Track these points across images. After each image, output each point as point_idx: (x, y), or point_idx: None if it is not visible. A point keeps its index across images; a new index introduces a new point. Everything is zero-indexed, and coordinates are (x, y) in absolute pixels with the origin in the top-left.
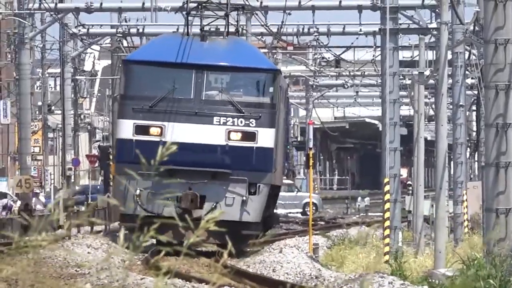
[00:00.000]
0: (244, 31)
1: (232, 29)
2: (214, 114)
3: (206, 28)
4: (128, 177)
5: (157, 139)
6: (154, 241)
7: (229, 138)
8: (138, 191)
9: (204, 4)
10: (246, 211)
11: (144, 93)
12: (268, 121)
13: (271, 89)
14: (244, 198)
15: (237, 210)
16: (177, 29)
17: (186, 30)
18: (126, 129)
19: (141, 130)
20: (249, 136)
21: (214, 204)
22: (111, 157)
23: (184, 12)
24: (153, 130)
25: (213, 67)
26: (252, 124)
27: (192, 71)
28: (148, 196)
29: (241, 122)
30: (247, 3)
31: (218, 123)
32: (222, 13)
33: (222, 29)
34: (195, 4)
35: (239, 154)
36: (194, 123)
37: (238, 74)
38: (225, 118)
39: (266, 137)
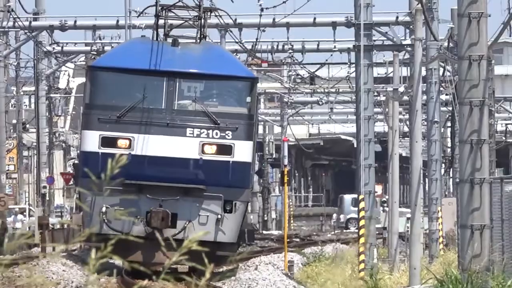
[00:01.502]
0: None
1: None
2: (187, 125)
3: (173, 32)
4: (94, 193)
5: (125, 152)
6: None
7: (203, 152)
8: (104, 208)
9: (175, 5)
10: (221, 231)
11: (111, 102)
12: (245, 133)
13: (248, 99)
14: (219, 216)
15: (211, 230)
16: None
17: (155, 34)
18: (92, 141)
19: (108, 142)
20: (225, 149)
21: (187, 223)
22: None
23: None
24: (121, 143)
25: (186, 75)
26: (228, 136)
27: (163, 78)
28: (115, 213)
29: (216, 134)
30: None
31: (191, 135)
32: (188, 16)
33: (188, 34)
34: (166, 5)
35: (214, 168)
36: (165, 135)
37: (213, 82)
38: (199, 129)
39: (243, 151)
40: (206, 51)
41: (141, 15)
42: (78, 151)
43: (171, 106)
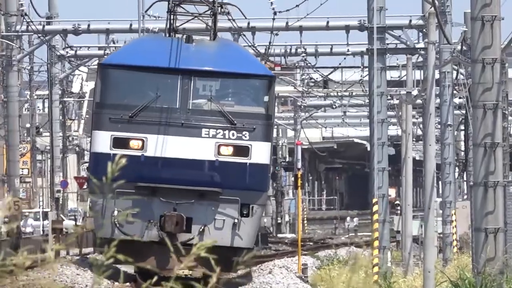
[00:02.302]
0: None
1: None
2: (202, 125)
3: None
4: (105, 196)
5: (138, 153)
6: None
7: (219, 153)
8: (115, 212)
9: (187, 0)
10: (238, 235)
11: (123, 101)
12: (262, 134)
13: (265, 98)
14: (236, 220)
15: (227, 234)
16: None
17: (168, 31)
18: (103, 142)
19: (120, 143)
20: (242, 150)
21: (202, 227)
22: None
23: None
24: (133, 143)
25: (201, 73)
26: (245, 137)
27: (177, 76)
28: (127, 217)
29: (233, 134)
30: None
31: (207, 135)
32: (199, 11)
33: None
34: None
35: (230, 171)
36: (179, 135)
37: (229, 81)
38: (214, 130)
39: (260, 152)
40: (221, 48)
41: (150, 16)
42: (88, 141)
43: (186, 106)
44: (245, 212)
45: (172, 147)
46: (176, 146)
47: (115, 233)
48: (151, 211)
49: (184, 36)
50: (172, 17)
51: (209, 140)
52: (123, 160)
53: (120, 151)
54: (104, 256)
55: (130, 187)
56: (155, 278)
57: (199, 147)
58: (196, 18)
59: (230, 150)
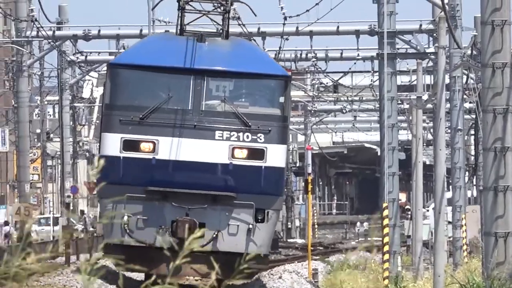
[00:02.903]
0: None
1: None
2: (215, 127)
3: (190, 28)
4: (115, 200)
5: (149, 156)
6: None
7: (233, 156)
8: (126, 217)
9: None
10: (252, 242)
11: (134, 103)
12: (278, 136)
13: (281, 99)
14: (251, 226)
15: (242, 241)
16: None
17: (179, 29)
18: (112, 144)
19: (130, 145)
20: (257, 153)
21: (215, 233)
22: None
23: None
24: (144, 146)
25: (214, 73)
26: (260, 139)
27: (190, 77)
28: (137, 223)
29: (247, 137)
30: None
31: (220, 138)
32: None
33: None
34: None
35: (244, 174)
36: (192, 137)
37: (243, 81)
38: (228, 132)
39: (276, 155)
40: (235, 47)
41: (161, 21)
42: (97, 155)
43: (199, 107)
44: (260, 218)
45: (185, 150)
46: (188, 148)
47: (125, 239)
48: (162, 216)
49: (197, 35)
50: (182, 15)
51: (223, 143)
52: (134, 164)
53: (130, 154)
54: (113, 263)
55: (140, 191)
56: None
57: (212, 150)
58: (206, 16)
59: (244, 153)
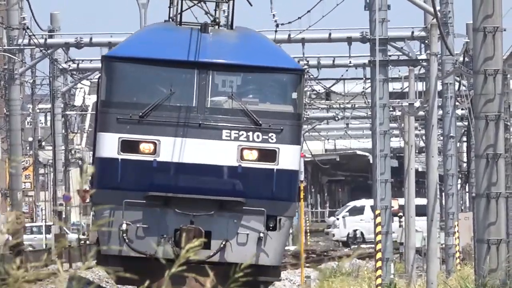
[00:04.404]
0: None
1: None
2: (223, 126)
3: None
4: (112, 207)
5: (149, 158)
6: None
7: (242, 158)
8: (124, 225)
9: None
10: (263, 252)
11: (133, 99)
12: (291, 136)
13: (294, 95)
14: (261, 234)
15: (252, 251)
16: None
17: (179, 19)
18: (109, 145)
19: (129, 146)
20: (268, 155)
21: (223, 243)
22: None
23: None
24: (144, 147)
25: (221, 66)
26: (272, 139)
27: (193, 71)
28: (137, 231)
29: (258, 137)
30: None
31: (228, 138)
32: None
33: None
34: None
35: (255, 178)
36: (197, 137)
37: (252, 75)
38: (237, 131)
39: (289, 157)
40: (242, 38)
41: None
42: (91, 157)
43: (204, 104)
44: (271, 225)
45: (189, 151)
46: (193, 150)
47: (123, 250)
48: (164, 224)
49: (200, 25)
50: (179, 1)
51: (231, 143)
52: (133, 166)
53: (129, 156)
54: (110, 275)
55: (140, 196)
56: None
57: (219, 151)
58: (202, 3)
59: (254, 154)
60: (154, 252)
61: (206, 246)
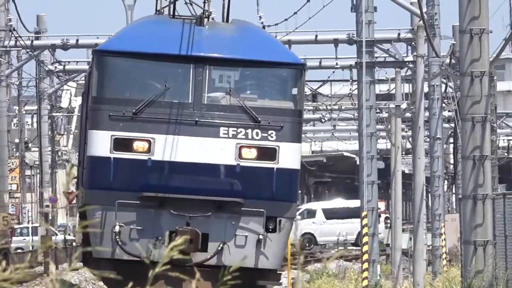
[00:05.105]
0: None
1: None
2: (220, 123)
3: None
4: (104, 208)
5: (143, 157)
6: None
7: (240, 156)
8: (117, 227)
9: None
10: (263, 255)
11: (126, 95)
12: (292, 134)
13: (294, 90)
14: (261, 236)
15: (251, 254)
16: None
17: (173, 10)
18: (101, 143)
19: (122, 144)
20: (268, 153)
21: (221, 245)
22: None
23: None
24: (138, 145)
25: (218, 61)
26: (272, 137)
27: (189, 65)
28: (130, 233)
29: (257, 134)
30: None
31: (225, 135)
32: None
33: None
34: None
35: (254, 177)
36: (193, 135)
37: (251, 70)
38: (235, 129)
39: (289, 155)
40: (240, 31)
41: None
42: (77, 159)
43: (200, 100)
44: (271, 227)
45: (184, 149)
46: (189, 148)
47: (116, 253)
48: (159, 226)
49: (195, 18)
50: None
51: (229, 141)
52: (126, 165)
53: (122, 155)
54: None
55: (134, 197)
56: None
57: (216, 149)
58: None
59: (253, 152)
60: (149, 255)
61: (203, 248)
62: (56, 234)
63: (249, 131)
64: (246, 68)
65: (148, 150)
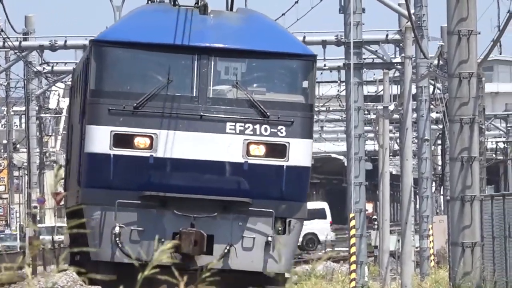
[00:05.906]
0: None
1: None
2: (226, 118)
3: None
4: (103, 207)
5: (145, 153)
6: None
7: (248, 153)
8: (117, 228)
9: None
10: (272, 258)
11: (126, 88)
12: (302, 129)
13: (305, 83)
14: (269, 238)
15: (259, 257)
16: None
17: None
18: (100, 139)
19: (122, 140)
20: (277, 150)
21: (227, 248)
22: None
23: None
24: (139, 141)
25: (223, 51)
26: (281, 132)
27: (193, 56)
28: (131, 235)
29: (266, 130)
30: None
31: (232, 131)
32: None
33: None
34: None
35: (262, 176)
36: (198, 131)
37: (258, 62)
38: (242, 124)
39: (300, 152)
40: (246, 20)
41: None
42: (68, 154)
43: (205, 93)
44: (280, 228)
45: (189, 145)
46: (193, 144)
47: (116, 256)
48: (162, 227)
49: (199, 6)
50: None
51: (236, 137)
52: (126, 163)
53: (122, 151)
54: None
55: (135, 196)
56: None
57: (222, 146)
58: None
59: (262, 149)
60: (150, 258)
61: (208, 251)
62: (40, 234)
63: (257, 126)
64: (253, 59)
65: (150, 147)
